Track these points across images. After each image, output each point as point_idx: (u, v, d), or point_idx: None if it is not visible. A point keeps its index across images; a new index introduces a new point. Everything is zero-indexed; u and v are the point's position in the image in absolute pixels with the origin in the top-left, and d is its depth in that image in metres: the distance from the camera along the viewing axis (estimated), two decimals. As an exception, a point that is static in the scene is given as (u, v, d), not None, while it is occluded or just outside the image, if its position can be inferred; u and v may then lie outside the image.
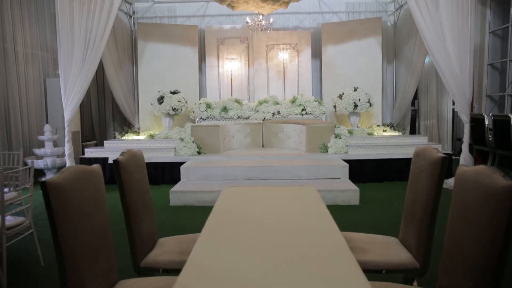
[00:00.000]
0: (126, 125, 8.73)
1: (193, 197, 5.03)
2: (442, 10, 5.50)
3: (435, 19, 5.53)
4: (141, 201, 2.30)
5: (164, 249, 2.37)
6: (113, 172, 6.42)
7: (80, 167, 1.74)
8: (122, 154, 2.24)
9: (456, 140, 9.06)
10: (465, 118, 5.82)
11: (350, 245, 2.24)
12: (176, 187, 5.24)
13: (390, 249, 2.31)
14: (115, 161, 2.13)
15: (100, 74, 8.52)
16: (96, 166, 1.87)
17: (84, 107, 8.60)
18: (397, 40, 8.85)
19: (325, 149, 6.49)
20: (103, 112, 9.06)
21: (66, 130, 5.81)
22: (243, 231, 1.89)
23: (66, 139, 5.82)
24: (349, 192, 4.96)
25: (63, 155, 6.30)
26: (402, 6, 8.55)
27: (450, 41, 5.56)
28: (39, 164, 6.28)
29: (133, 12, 9.00)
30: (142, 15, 9.00)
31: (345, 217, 4.45)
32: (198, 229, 1.96)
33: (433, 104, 8.24)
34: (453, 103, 8.84)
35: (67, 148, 5.81)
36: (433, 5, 5.52)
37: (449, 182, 5.73)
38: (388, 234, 3.88)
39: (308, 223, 2.00)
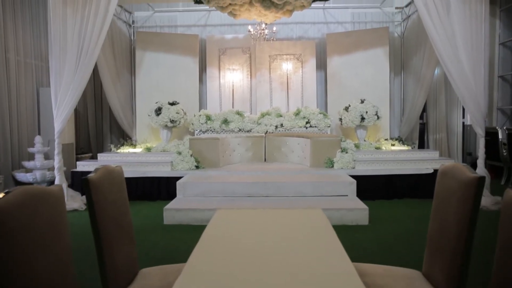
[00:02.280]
0: (124, 138, 8.42)
1: (189, 215, 4.66)
2: (454, 17, 5.20)
3: (446, 26, 5.22)
4: (116, 226, 1.95)
5: (145, 282, 2.02)
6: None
7: (31, 189, 1.39)
8: (95, 171, 1.89)
9: (467, 155, 8.68)
10: (480, 131, 5.46)
11: (364, 281, 1.86)
12: (171, 204, 4.88)
13: (412, 286, 1.94)
14: (85, 179, 1.78)
15: (98, 84, 8.26)
16: (56, 187, 1.52)
17: (80, 119, 8.32)
18: (405, 51, 8.56)
19: (330, 164, 6.12)
20: (100, 124, 8.77)
21: (56, 142, 5.49)
22: (235, 263, 1.54)
23: (55, 152, 5.49)
24: (357, 211, 4.59)
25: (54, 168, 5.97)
26: (409, 16, 8.28)
27: (463, 49, 5.24)
28: (27, 177, 5.96)
29: (133, 21, 8.77)
30: (142, 24, 8.77)
31: (354, 239, 4.07)
32: (192, 252, 1.65)
33: (442, 117, 7.90)
34: (463, 116, 8.51)
35: (57, 161, 5.48)
36: (444, 11, 5.21)
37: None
38: (403, 259, 3.52)
39: (313, 255, 1.64)
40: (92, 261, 1.82)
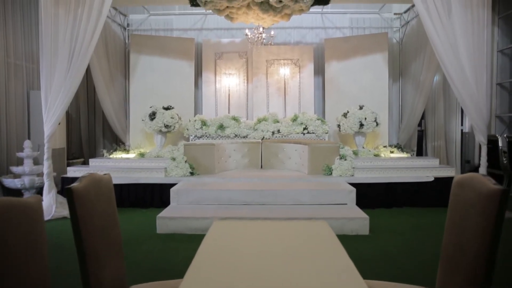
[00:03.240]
0: (117, 143, 8.22)
1: (183, 224, 4.48)
2: (456, 21, 5.09)
3: (448, 30, 5.11)
4: (103, 240, 1.77)
5: (135, 302, 1.84)
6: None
7: (4, 201, 1.22)
8: (80, 179, 1.72)
9: (465, 163, 8.58)
10: (482, 139, 5.34)
11: (374, 301, 1.71)
12: (164, 212, 4.69)
13: (426, 307, 1.79)
14: (68, 189, 1.61)
15: (91, 88, 8.07)
16: (33, 199, 1.35)
17: (72, 123, 8.12)
18: (403, 58, 8.47)
19: (329, 171, 5.97)
20: (93, 128, 8.57)
21: (45, 147, 5.28)
22: (236, 281, 1.38)
23: (45, 157, 5.28)
24: (357, 220, 4.43)
25: (43, 174, 5.76)
26: (408, 22, 8.21)
27: (465, 54, 5.12)
28: (15, 183, 5.74)
29: (128, 24, 8.61)
30: (137, 27, 8.62)
31: (355, 250, 3.90)
32: (186, 264, 1.51)
33: (441, 124, 7.81)
34: (462, 124, 8.41)
35: (46, 167, 5.27)
36: (446, 15, 5.10)
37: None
38: (408, 273, 3.37)
39: (322, 271, 1.48)
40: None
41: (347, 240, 4.14)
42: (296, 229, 2.07)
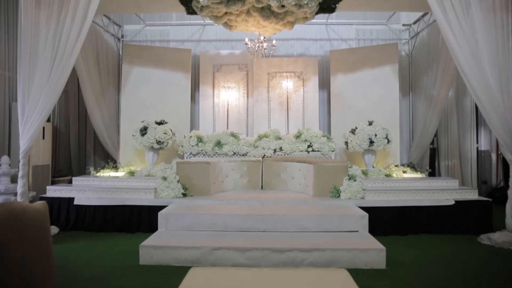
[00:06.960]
0: (108, 160, 7.68)
1: (170, 254, 3.87)
2: (477, 27, 4.59)
3: (468, 36, 4.59)
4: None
5: None
6: (78, 216, 5.30)
7: None
8: (-15, 212, 1.16)
9: (482, 183, 7.98)
10: (510, 157, 4.75)
11: None
12: (149, 241, 4.08)
13: None
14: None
15: (82, 101, 7.60)
16: None
17: (60, 138, 7.63)
18: (413, 71, 7.99)
19: (337, 193, 5.38)
20: (84, 144, 8.06)
21: (20, 163, 4.75)
22: None
23: (20, 174, 4.75)
24: (372, 252, 3.81)
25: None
26: (417, 33, 7.75)
27: (487, 62, 4.60)
28: (-13, 204, 5.16)
29: (122, 35, 8.19)
30: (131, 38, 8.20)
31: (371, 289, 3.30)
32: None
33: (455, 142, 7.28)
34: (477, 141, 7.88)
35: (20, 185, 4.73)
36: (466, 21, 4.59)
37: (495, 238, 4.58)
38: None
39: None
40: None
41: (360, 276, 3.55)
42: (307, 282, 1.48)
